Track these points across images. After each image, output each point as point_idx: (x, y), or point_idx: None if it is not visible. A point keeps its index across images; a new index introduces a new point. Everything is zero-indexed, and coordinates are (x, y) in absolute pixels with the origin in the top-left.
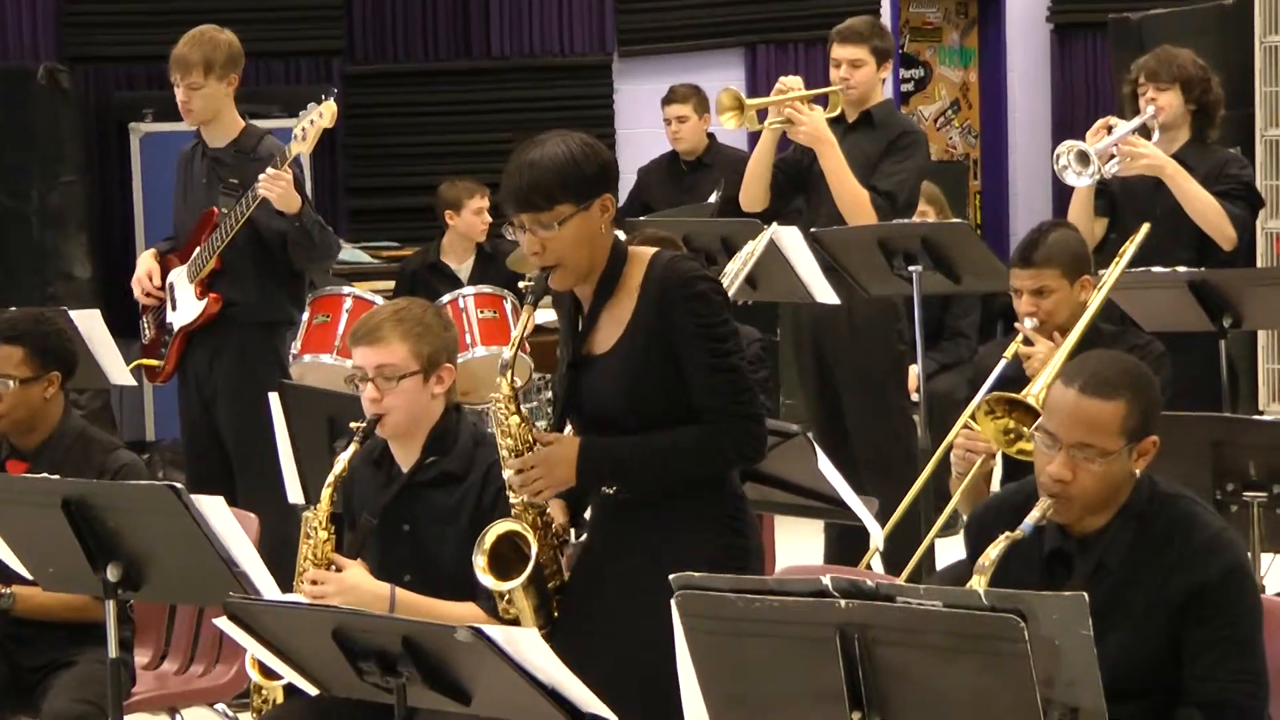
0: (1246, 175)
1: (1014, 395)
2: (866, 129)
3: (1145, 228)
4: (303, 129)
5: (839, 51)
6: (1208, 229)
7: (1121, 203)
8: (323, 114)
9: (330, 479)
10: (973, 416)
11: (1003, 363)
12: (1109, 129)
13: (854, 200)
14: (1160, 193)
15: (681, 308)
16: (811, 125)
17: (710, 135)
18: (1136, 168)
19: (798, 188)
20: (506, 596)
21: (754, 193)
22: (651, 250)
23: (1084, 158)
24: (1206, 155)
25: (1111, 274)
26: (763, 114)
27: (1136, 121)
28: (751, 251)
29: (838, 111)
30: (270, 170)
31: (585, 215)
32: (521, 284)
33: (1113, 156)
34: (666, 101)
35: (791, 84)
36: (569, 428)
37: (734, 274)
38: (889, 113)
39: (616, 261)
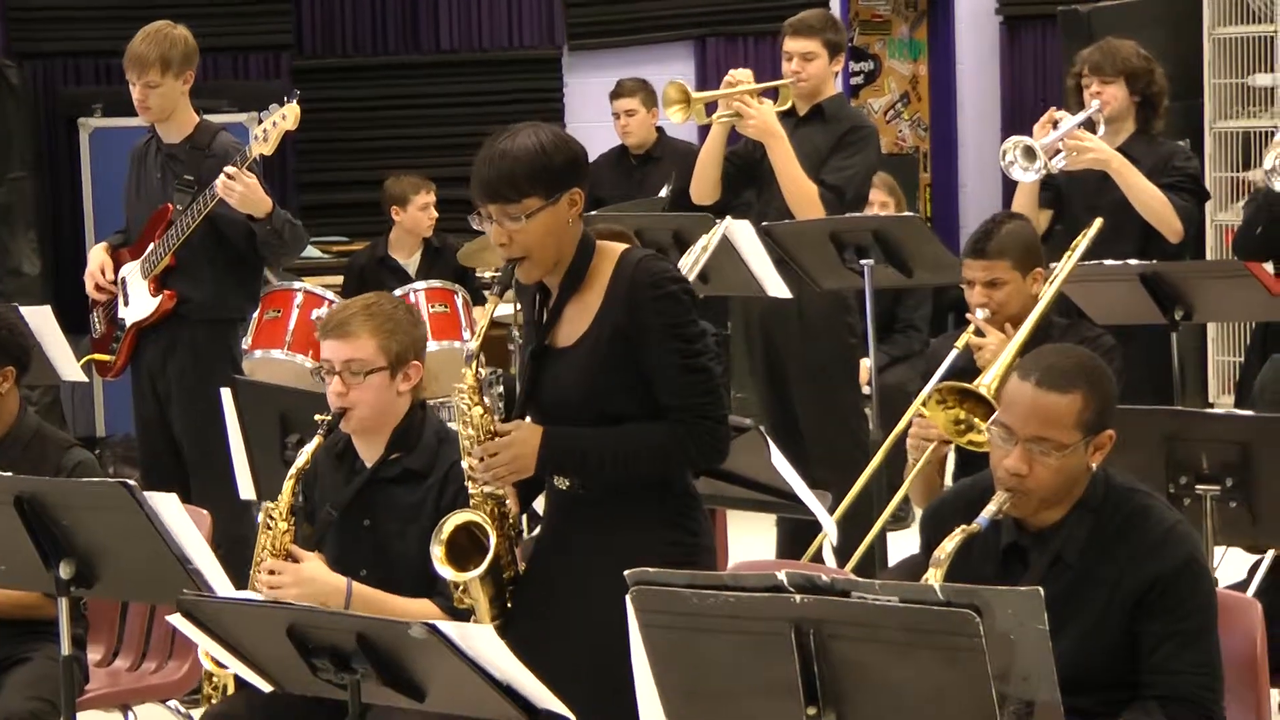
0: (1192, 168)
1: (965, 385)
2: (817, 122)
3: (1098, 222)
4: (264, 130)
5: (791, 44)
6: (1154, 222)
7: (1067, 195)
8: (285, 116)
9: (292, 471)
10: (924, 406)
11: (954, 353)
12: (1054, 123)
13: (802, 194)
14: (1106, 185)
15: (651, 307)
16: (761, 119)
17: (659, 129)
18: (1083, 162)
19: (748, 180)
20: (462, 587)
21: (705, 186)
22: (622, 246)
23: (1030, 153)
24: (1152, 148)
25: (1064, 267)
26: (711, 107)
27: (1082, 116)
28: (705, 245)
29: (788, 105)
30: (230, 170)
31: (554, 209)
32: (488, 274)
33: (1059, 151)
34: (614, 96)
35: (740, 77)
36: (529, 417)
37: (688, 268)
38: (840, 106)
39: (584, 254)
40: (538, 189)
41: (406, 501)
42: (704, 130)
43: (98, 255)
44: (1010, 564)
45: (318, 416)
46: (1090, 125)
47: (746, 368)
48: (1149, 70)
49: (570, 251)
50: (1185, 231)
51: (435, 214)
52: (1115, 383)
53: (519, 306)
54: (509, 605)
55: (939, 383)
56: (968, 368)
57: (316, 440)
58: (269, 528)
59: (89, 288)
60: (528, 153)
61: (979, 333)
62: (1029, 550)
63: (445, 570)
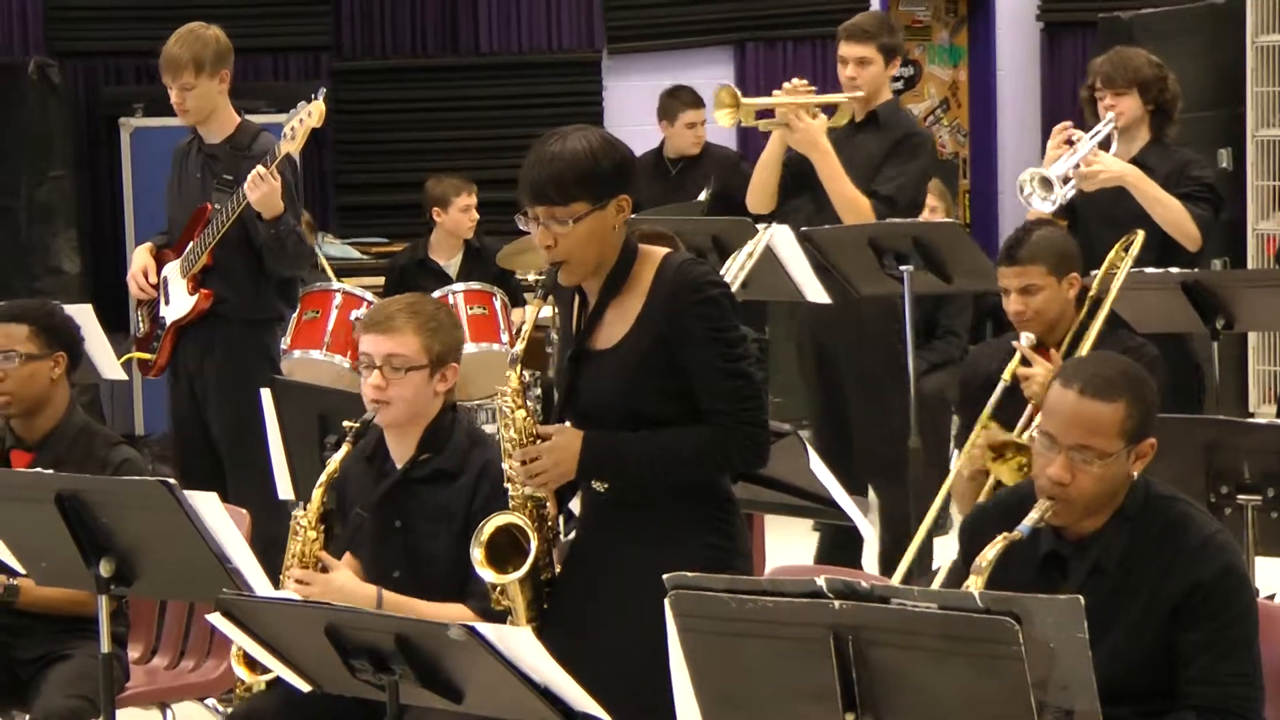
0: (1208, 176)
1: (1017, 440)
2: (871, 129)
3: (1141, 235)
4: (292, 128)
5: (846, 49)
6: (1172, 231)
7: (1083, 207)
8: (311, 113)
9: (322, 479)
10: (982, 459)
11: (1001, 386)
12: (1069, 142)
13: (851, 206)
14: (1123, 197)
15: (691, 312)
16: (807, 131)
17: None
18: (1098, 184)
19: (803, 186)
20: (500, 589)
21: (762, 195)
22: (663, 251)
23: (1047, 183)
24: (1167, 157)
25: (1114, 287)
26: (765, 113)
27: (1097, 135)
28: (750, 253)
29: (845, 121)
30: (259, 169)
31: (601, 214)
32: (531, 277)
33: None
34: (683, 105)
35: (802, 87)
36: (567, 420)
37: (732, 275)
38: (894, 112)
39: (627, 259)
40: (586, 194)
41: (437, 502)
42: (742, 134)
43: (141, 257)
44: (1049, 572)
45: (346, 424)
46: (1106, 140)
47: (795, 369)
48: (1161, 78)
49: (613, 256)
50: (1203, 239)
51: (476, 215)
52: (1157, 392)
53: (556, 310)
54: (545, 607)
55: (988, 415)
56: (1014, 389)
57: (345, 448)
58: (297, 535)
59: (132, 289)
60: (577, 157)
61: (1025, 362)
62: (1068, 559)
63: (486, 572)
